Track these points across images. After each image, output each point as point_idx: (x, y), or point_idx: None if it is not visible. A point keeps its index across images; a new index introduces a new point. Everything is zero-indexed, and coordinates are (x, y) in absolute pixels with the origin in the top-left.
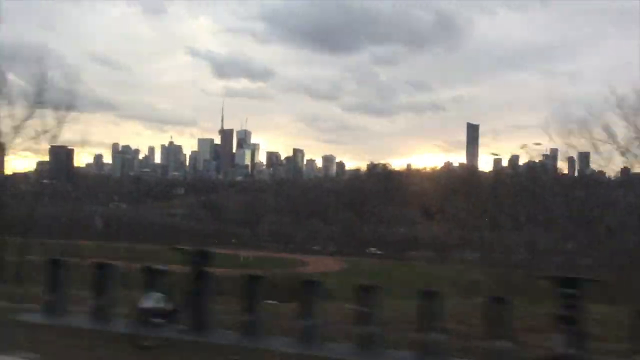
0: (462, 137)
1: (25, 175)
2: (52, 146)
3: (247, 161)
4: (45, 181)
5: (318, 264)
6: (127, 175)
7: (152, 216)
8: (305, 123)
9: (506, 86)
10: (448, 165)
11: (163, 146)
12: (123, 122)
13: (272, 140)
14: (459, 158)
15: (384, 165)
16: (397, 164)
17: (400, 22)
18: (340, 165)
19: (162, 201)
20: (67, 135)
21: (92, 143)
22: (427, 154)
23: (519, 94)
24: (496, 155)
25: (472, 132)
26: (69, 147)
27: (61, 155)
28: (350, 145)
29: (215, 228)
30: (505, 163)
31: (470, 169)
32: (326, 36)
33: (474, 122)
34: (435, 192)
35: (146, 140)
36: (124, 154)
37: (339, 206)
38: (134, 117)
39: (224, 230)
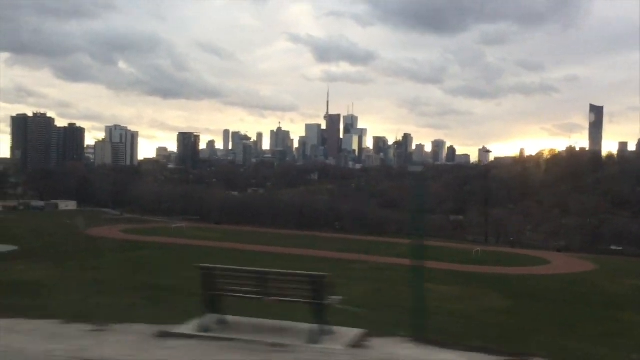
0: (576, 119)
1: (152, 161)
2: (179, 133)
3: (354, 146)
4: (172, 166)
5: (561, 263)
6: (249, 161)
7: (308, 202)
8: (407, 107)
9: (625, 66)
10: (571, 150)
11: (272, 132)
12: (227, 108)
13: (373, 125)
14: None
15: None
16: (504, 148)
17: None
18: (452, 149)
19: (297, 187)
20: (176, 122)
21: (200, 129)
22: (534, 138)
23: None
24: None
25: (596, 114)
26: (195, 134)
27: (188, 141)
28: (453, 129)
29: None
30: (632, 147)
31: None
32: (431, 16)
33: (597, 104)
34: (615, 180)
35: (249, 126)
36: (243, 139)
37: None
38: (237, 104)
39: (397, 220)
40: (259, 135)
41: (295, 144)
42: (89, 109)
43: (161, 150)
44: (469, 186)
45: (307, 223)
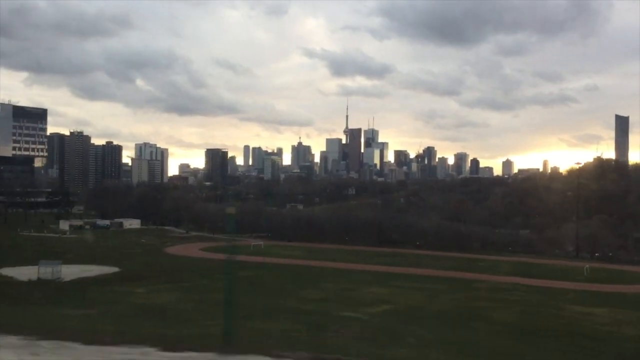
0: (595, 130)
1: (180, 177)
2: (207, 149)
3: (376, 160)
4: (208, 183)
5: None
6: (276, 176)
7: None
8: (422, 120)
9: None
10: (600, 161)
11: (293, 147)
12: (243, 124)
13: (392, 138)
14: (598, 153)
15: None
16: (523, 160)
17: (532, 8)
18: (475, 162)
19: (337, 202)
20: (192, 138)
21: (216, 145)
22: (553, 149)
23: None
24: None
25: (621, 124)
26: (223, 150)
27: (217, 157)
28: (470, 141)
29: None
30: None
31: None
32: (448, 28)
33: (620, 114)
34: None
35: (265, 141)
36: (270, 155)
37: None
38: (252, 119)
39: (475, 235)
40: (279, 150)
41: (316, 159)
42: (107, 127)
43: (184, 167)
44: (531, 199)
45: (383, 239)
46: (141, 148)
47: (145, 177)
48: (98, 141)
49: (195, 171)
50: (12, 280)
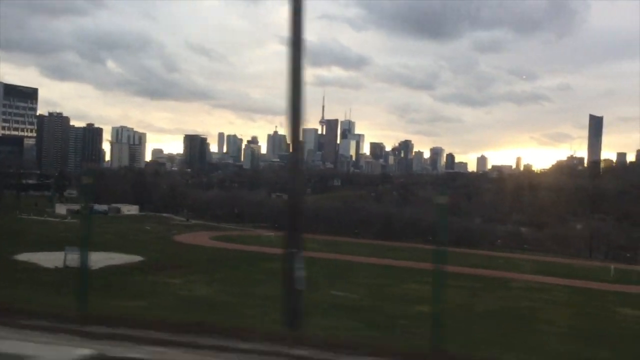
0: (565, 129)
1: (156, 163)
2: (186, 135)
3: (352, 152)
4: (187, 170)
5: None
6: (256, 165)
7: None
8: (396, 113)
9: (618, 75)
10: (571, 160)
11: (269, 135)
12: (216, 111)
13: (367, 131)
14: (564, 152)
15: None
16: (495, 156)
17: (511, 5)
18: (451, 157)
19: (324, 193)
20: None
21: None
22: (523, 147)
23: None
24: None
25: (595, 124)
26: (202, 136)
27: (196, 143)
28: (442, 136)
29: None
30: (631, 158)
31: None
32: (427, 21)
33: (594, 114)
34: None
35: (238, 129)
36: (251, 144)
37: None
38: (226, 107)
39: (477, 230)
40: (254, 139)
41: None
42: (76, 108)
43: (157, 152)
44: (524, 196)
45: (392, 233)
46: (118, 131)
47: (125, 161)
48: (76, 123)
49: (171, 157)
50: (38, 266)
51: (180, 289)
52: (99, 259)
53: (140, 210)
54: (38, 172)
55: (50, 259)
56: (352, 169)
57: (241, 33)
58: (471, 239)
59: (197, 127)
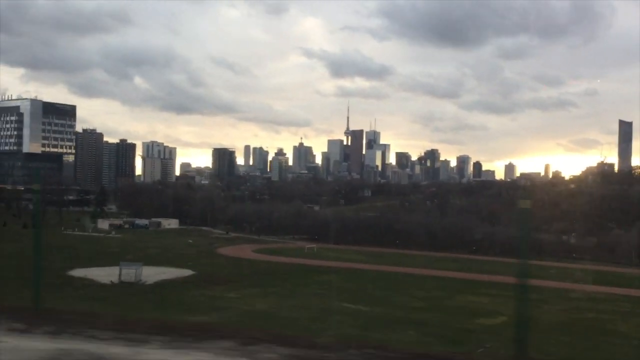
0: (592, 134)
1: (187, 177)
2: (214, 149)
3: (377, 162)
4: (218, 183)
5: None
6: (284, 177)
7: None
8: (420, 123)
9: None
10: (602, 166)
11: (294, 147)
12: (240, 124)
13: (391, 140)
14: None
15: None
16: (521, 164)
17: (535, 10)
18: (478, 165)
19: (353, 204)
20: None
21: (213, 144)
22: (551, 154)
23: None
24: None
25: (625, 130)
26: (230, 150)
27: (224, 157)
28: (467, 144)
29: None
30: None
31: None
32: (449, 30)
33: (626, 119)
34: None
35: (262, 141)
36: (278, 156)
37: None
38: (250, 119)
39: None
40: (280, 151)
41: (317, 160)
42: (104, 124)
43: (185, 166)
44: (561, 204)
45: (436, 244)
46: (148, 147)
47: (157, 175)
48: (108, 139)
49: (200, 170)
50: (95, 282)
51: (239, 304)
52: (150, 274)
53: (180, 224)
54: (77, 188)
55: (104, 274)
56: (379, 179)
57: (264, 45)
58: (511, 248)
59: (222, 141)
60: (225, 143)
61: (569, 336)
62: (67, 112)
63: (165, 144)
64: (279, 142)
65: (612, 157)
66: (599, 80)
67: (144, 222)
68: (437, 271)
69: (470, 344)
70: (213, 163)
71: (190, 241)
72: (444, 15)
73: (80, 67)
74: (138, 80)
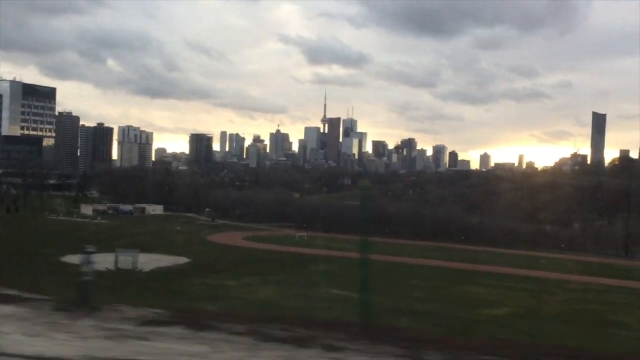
0: (565, 126)
1: (163, 162)
2: (191, 134)
3: (354, 150)
4: (187, 168)
5: None
6: (262, 164)
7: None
8: (396, 111)
9: (618, 72)
10: (575, 157)
11: (271, 134)
12: (216, 109)
13: (368, 129)
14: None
15: None
16: (496, 154)
17: (513, 1)
18: (454, 155)
19: (335, 192)
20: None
21: (187, 130)
22: (524, 145)
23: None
24: None
25: (598, 122)
26: (208, 135)
27: (202, 142)
28: (443, 134)
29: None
30: (634, 155)
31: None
32: (427, 19)
33: (598, 111)
34: None
35: (238, 128)
36: (256, 142)
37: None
38: (226, 105)
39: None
40: (257, 137)
41: (293, 147)
42: (77, 107)
43: (160, 151)
44: (542, 194)
45: (424, 233)
46: (124, 131)
47: (135, 160)
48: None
49: (176, 156)
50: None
51: (241, 293)
52: (145, 261)
53: (164, 210)
54: (57, 172)
55: (98, 261)
56: (356, 167)
57: (240, 31)
58: (499, 238)
59: (197, 126)
60: (200, 128)
61: (575, 327)
62: (47, 94)
63: (141, 129)
64: (255, 129)
65: (584, 149)
66: (572, 73)
67: (128, 207)
68: (430, 260)
69: (483, 335)
70: (190, 149)
71: (178, 228)
72: (422, 4)
73: (53, 48)
74: (112, 63)
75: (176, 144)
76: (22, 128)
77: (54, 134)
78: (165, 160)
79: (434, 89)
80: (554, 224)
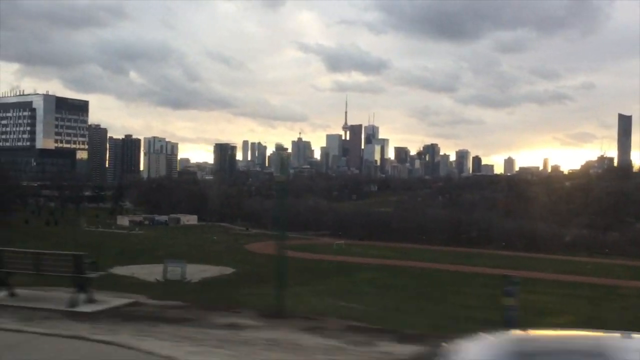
0: (588, 128)
1: (190, 172)
2: (216, 144)
3: (376, 157)
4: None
5: None
6: (286, 172)
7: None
8: (416, 117)
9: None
10: (601, 160)
11: (293, 142)
12: (236, 119)
13: (389, 135)
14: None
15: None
16: (518, 157)
17: (534, 3)
18: (477, 160)
19: (363, 199)
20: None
21: (210, 140)
22: (548, 148)
23: None
24: None
25: (624, 124)
26: (232, 145)
27: (226, 152)
28: (463, 138)
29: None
30: None
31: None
32: (446, 23)
33: (626, 113)
34: None
35: (259, 136)
36: (279, 150)
37: None
38: (246, 114)
39: (543, 233)
40: (279, 146)
41: (315, 155)
42: (100, 120)
43: (184, 161)
44: (576, 198)
45: (461, 239)
46: (150, 142)
47: (162, 171)
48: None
49: (200, 166)
50: (140, 280)
51: (295, 303)
52: (192, 272)
53: (198, 220)
54: (91, 184)
55: (147, 272)
56: (379, 174)
57: (259, 40)
58: (539, 243)
59: (219, 136)
60: (222, 138)
61: None
62: (80, 107)
63: (166, 140)
64: (276, 137)
65: (611, 151)
66: (595, 74)
67: (163, 218)
68: (474, 267)
69: None
70: (215, 159)
71: (215, 238)
72: (441, 8)
73: (76, 61)
74: (133, 75)
75: (198, 154)
76: (55, 141)
77: (86, 147)
78: (190, 170)
79: (455, 93)
80: (592, 228)
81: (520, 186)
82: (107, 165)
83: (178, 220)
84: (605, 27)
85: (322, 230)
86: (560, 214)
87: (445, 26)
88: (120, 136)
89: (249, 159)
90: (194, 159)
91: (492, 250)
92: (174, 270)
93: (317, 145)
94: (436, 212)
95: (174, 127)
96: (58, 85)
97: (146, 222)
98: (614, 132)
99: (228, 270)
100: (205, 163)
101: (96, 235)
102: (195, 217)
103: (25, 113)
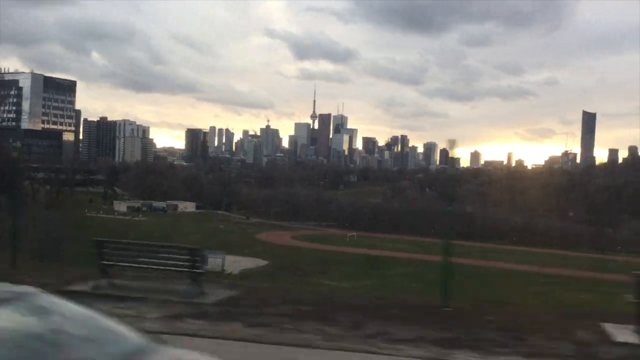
0: (550, 124)
1: (161, 157)
2: (187, 129)
3: (345, 146)
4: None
5: None
6: (259, 159)
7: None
8: (382, 108)
9: (607, 69)
10: (565, 156)
11: (261, 129)
12: (200, 104)
13: (355, 125)
14: (551, 148)
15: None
16: (486, 152)
17: None
18: (444, 152)
19: (344, 189)
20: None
21: (173, 125)
22: (508, 142)
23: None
24: None
25: (588, 120)
26: (204, 131)
27: (197, 138)
28: (427, 131)
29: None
30: (624, 154)
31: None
32: (416, 15)
33: (585, 109)
34: None
35: (224, 122)
36: (253, 137)
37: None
38: (211, 100)
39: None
40: (245, 133)
41: (283, 143)
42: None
43: (151, 146)
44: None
45: (469, 233)
46: (119, 125)
47: (137, 156)
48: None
49: (168, 151)
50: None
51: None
52: (227, 263)
53: (197, 207)
54: (76, 166)
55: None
56: (348, 164)
57: (227, 25)
58: (552, 238)
59: (182, 120)
60: (186, 123)
61: None
62: (68, 88)
63: (137, 123)
64: (241, 124)
65: (574, 148)
66: (559, 70)
67: (161, 204)
68: (508, 264)
69: None
70: (186, 144)
71: (222, 226)
72: (410, 0)
73: (35, 40)
74: (95, 55)
75: (163, 138)
76: (42, 122)
77: (73, 129)
78: (160, 155)
79: (421, 85)
80: (585, 223)
81: (502, 181)
82: (80, 149)
83: (176, 207)
84: (571, 23)
85: (324, 221)
86: (554, 209)
87: (414, 18)
88: (95, 118)
89: (216, 145)
90: (159, 144)
91: (503, 245)
92: (215, 261)
93: (285, 133)
94: (435, 204)
95: (137, 110)
96: (17, 63)
97: (144, 209)
98: (575, 129)
99: (261, 262)
100: (172, 148)
101: (101, 221)
102: (193, 204)
103: (11, 92)
